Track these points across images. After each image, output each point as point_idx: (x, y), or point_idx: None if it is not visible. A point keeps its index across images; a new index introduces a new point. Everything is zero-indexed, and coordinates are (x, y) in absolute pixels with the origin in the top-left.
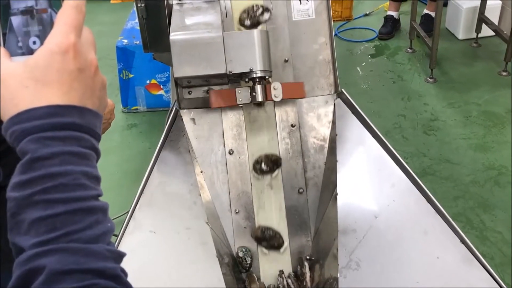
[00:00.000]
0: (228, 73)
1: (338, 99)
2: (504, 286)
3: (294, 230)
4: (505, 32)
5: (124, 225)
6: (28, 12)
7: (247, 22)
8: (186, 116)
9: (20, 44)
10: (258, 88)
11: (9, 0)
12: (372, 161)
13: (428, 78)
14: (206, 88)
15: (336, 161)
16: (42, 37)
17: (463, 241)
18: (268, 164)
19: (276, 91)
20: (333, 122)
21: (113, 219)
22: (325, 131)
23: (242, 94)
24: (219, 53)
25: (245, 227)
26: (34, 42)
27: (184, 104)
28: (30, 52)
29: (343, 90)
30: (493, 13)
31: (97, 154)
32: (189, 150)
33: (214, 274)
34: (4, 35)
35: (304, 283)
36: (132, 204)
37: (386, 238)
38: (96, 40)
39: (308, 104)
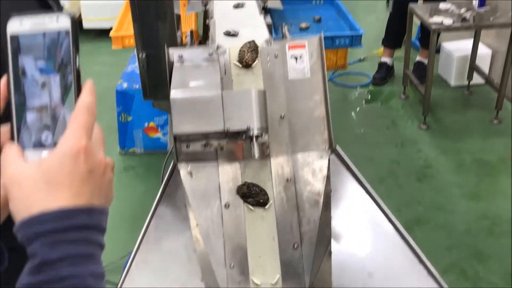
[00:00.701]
0: (226, 130)
1: (333, 155)
2: None
3: (289, 284)
4: (495, 81)
5: (120, 283)
6: (42, 109)
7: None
8: (184, 169)
9: (33, 138)
10: (255, 145)
11: (25, 97)
12: (365, 217)
13: (421, 125)
14: (204, 142)
15: (331, 216)
16: (54, 132)
17: None
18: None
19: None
20: (328, 177)
21: (110, 264)
22: (320, 186)
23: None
24: (217, 111)
25: (239, 281)
26: (46, 137)
27: (182, 158)
28: (42, 146)
29: (337, 146)
30: (484, 61)
31: (102, 247)
32: (186, 203)
33: None
34: (18, 129)
35: None
36: (128, 260)
37: None
38: (96, 81)
39: (303, 159)
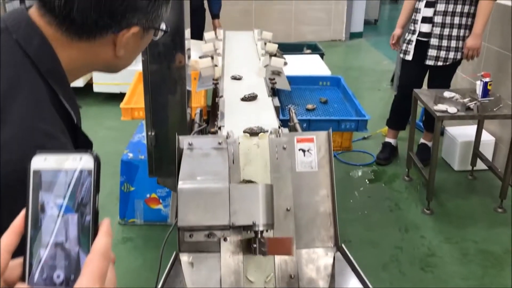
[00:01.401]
0: (231, 225)
1: (338, 253)
2: None
3: None
4: (499, 170)
5: None
6: (57, 246)
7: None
8: (185, 259)
9: (44, 275)
10: (259, 242)
11: (41, 234)
12: None
13: (425, 209)
14: (207, 232)
15: None
16: (67, 272)
17: None
18: None
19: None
20: (332, 276)
21: None
22: (324, 285)
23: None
24: (224, 205)
25: None
26: (58, 276)
27: (184, 248)
28: (53, 284)
29: (343, 245)
30: (487, 148)
31: None
32: None
33: None
34: (30, 265)
35: None
36: None
37: None
38: (102, 145)
39: (308, 255)
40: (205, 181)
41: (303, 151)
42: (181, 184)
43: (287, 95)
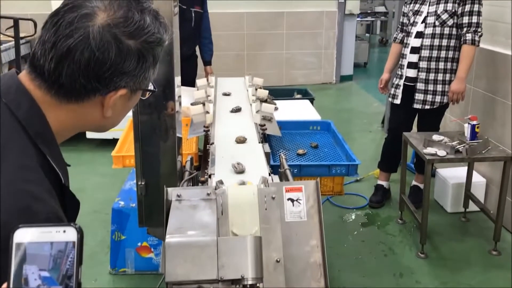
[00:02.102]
0: (219, 279)
1: None
2: None
3: None
4: (491, 212)
5: None
6: None
7: None
8: None
9: None
10: None
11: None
12: None
13: (419, 253)
14: (195, 286)
15: None
16: None
17: None
18: None
19: None
20: None
21: None
22: None
23: None
24: (212, 259)
25: None
26: None
27: None
28: None
29: None
30: (479, 190)
31: None
32: None
33: None
34: None
35: None
36: None
37: None
38: (93, 192)
39: None
40: (193, 234)
41: (292, 200)
42: (168, 238)
43: (278, 140)
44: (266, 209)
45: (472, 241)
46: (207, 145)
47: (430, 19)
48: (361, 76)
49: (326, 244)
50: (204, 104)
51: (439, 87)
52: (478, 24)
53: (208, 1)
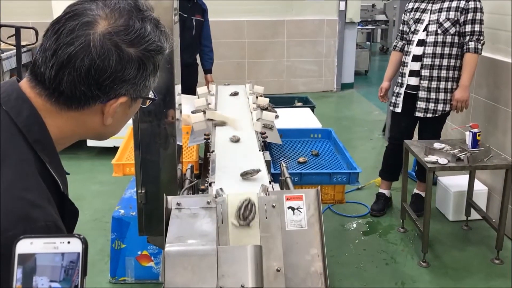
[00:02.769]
0: None
1: None
2: None
3: None
4: (493, 220)
5: None
6: None
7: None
8: None
9: None
10: None
11: None
12: None
13: (421, 262)
14: None
15: None
16: None
17: None
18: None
19: None
20: None
21: None
22: None
23: None
24: (211, 268)
25: None
26: None
27: None
28: None
29: None
30: (480, 198)
31: None
32: None
33: None
34: None
35: None
36: None
37: None
38: (93, 200)
39: None
40: (192, 243)
41: (293, 209)
42: (168, 247)
43: (278, 148)
44: (266, 218)
45: (474, 249)
46: (208, 153)
47: (432, 27)
48: (362, 84)
49: (327, 252)
50: (204, 112)
51: (442, 95)
52: (480, 33)
53: (208, 9)
